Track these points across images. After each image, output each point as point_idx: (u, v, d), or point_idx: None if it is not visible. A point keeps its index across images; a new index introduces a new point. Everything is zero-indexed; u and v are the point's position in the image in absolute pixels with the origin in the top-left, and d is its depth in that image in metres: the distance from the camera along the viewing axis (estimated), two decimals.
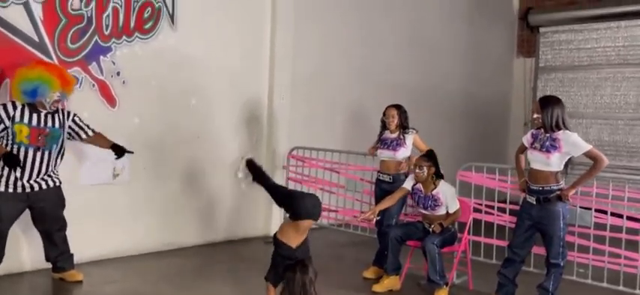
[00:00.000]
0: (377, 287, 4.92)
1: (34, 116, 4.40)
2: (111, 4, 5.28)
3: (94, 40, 5.20)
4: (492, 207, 5.81)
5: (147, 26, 5.57)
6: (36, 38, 4.84)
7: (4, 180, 4.37)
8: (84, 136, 4.72)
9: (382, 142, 5.43)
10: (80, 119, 4.72)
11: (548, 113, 4.24)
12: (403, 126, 5.35)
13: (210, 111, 6.22)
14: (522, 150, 4.61)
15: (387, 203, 5.01)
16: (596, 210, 5.23)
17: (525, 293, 4.68)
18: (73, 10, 5.02)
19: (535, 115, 4.35)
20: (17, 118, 4.35)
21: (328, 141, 7.19)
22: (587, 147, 4.20)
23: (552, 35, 10.30)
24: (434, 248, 4.67)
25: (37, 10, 4.82)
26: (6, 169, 4.35)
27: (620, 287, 5.03)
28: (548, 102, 4.30)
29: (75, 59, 5.08)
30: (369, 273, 5.32)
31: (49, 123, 4.46)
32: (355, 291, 4.96)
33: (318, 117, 7.45)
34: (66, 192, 4.71)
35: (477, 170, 5.90)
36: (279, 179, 6.87)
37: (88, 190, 5.21)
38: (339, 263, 5.85)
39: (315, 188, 6.63)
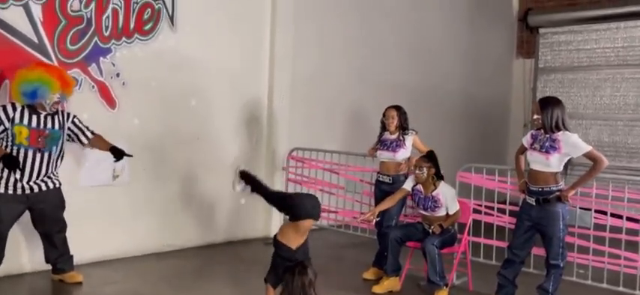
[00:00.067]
0: (377, 289, 4.92)
1: (34, 117, 4.40)
2: (110, 6, 5.28)
3: (94, 41, 5.20)
4: (492, 208, 5.81)
5: (146, 27, 5.57)
6: (35, 39, 4.84)
7: (3, 181, 4.37)
8: (83, 139, 4.71)
9: (382, 143, 5.43)
10: (80, 121, 4.71)
11: (548, 114, 4.24)
12: (403, 127, 5.35)
13: (210, 113, 6.22)
14: (522, 150, 4.61)
15: (387, 204, 5.01)
16: (596, 211, 5.24)
17: (525, 294, 4.68)
18: (72, 11, 5.02)
19: (535, 116, 4.35)
20: (17, 120, 4.34)
21: (328, 141, 7.20)
22: (587, 148, 4.20)
23: (552, 36, 10.31)
24: (434, 249, 4.67)
25: (37, 11, 4.82)
26: (6, 171, 4.34)
27: (620, 288, 5.03)
28: (548, 103, 4.30)
29: (74, 60, 5.08)
30: (369, 274, 5.32)
31: (49, 125, 4.46)
32: (355, 292, 4.96)
33: (318, 117, 7.45)
34: (66, 193, 4.71)
35: (476, 171, 5.90)
36: (278, 180, 6.88)
37: (87, 191, 5.21)
38: (339, 264, 5.85)
39: (315, 189, 6.63)
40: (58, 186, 4.63)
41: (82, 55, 5.13)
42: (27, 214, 4.55)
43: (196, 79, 6.04)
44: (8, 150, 4.34)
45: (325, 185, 6.78)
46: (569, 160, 4.27)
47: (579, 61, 9.99)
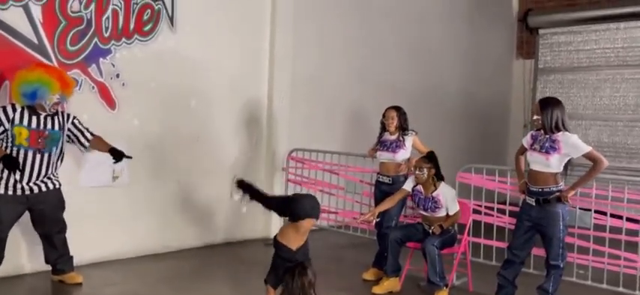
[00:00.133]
0: (377, 289, 4.92)
1: (34, 118, 4.40)
2: (110, 6, 5.28)
3: (94, 42, 5.20)
4: (492, 209, 5.81)
5: (146, 28, 5.57)
6: (35, 40, 4.84)
7: (3, 182, 4.36)
8: (83, 141, 4.71)
9: (382, 144, 5.43)
10: (80, 121, 4.71)
11: (548, 114, 4.24)
12: (402, 128, 5.35)
13: (210, 113, 6.22)
14: (522, 151, 4.61)
15: (387, 204, 5.01)
16: (596, 212, 5.24)
17: (525, 294, 4.67)
18: (72, 12, 5.02)
19: (535, 117, 4.35)
20: (17, 121, 4.34)
21: (328, 142, 7.19)
22: (587, 148, 4.20)
23: (551, 37, 10.30)
24: (434, 249, 4.67)
25: (37, 12, 4.82)
26: (6, 172, 4.34)
27: (620, 289, 5.03)
28: (548, 104, 4.30)
29: (74, 61, 5.09)
30: (369, 275, 5.32)
31: (49, 126, 4.46)
32: (355, 293, 4.96)
33: (318, 118, 7.45)
34: (65, 194, 4.71)
35: (476, 171, 5.90)
36: (278, 180, 6.88)
37: (87, 192, 5.21)
38: (339, 264, 5.85)
39: (315, 189, 6.62)
40: (57, 186, 4.63)
41: (82, 55, 5.13)
42: (27, 215, 4.54)
43: (196, 80, 6.04)
44: (8, 151, 4.34)
45: (325, 185, 6.78)
46: (569, 161, 4.27)
47: (579, 62, 9.98)
